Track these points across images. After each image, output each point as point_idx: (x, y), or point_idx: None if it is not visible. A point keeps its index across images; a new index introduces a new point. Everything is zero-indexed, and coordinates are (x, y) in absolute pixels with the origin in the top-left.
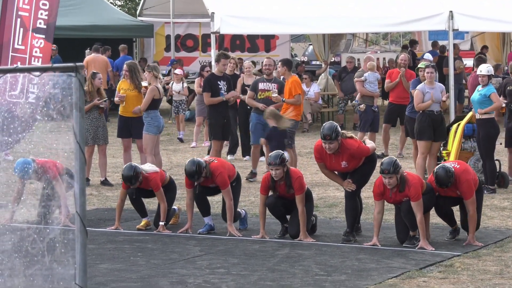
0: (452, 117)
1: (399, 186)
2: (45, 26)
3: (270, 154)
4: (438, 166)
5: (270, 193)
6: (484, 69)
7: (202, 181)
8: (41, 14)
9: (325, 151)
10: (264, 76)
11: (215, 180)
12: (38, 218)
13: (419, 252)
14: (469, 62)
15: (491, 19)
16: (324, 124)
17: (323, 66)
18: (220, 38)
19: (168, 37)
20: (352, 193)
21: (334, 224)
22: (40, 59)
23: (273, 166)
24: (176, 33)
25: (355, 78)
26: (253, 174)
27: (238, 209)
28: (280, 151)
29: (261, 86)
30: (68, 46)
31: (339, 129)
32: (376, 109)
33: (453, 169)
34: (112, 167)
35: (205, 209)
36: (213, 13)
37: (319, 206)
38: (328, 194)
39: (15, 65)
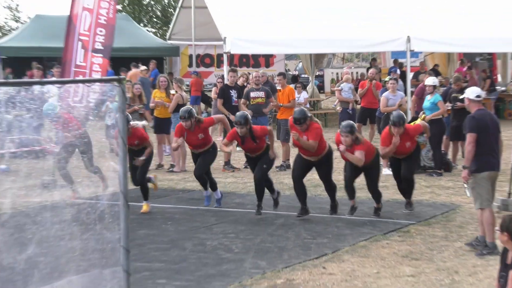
0: (409, 118)
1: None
2: (102, 48)
3: (236, 114)
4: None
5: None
6: (430, 80)
7: (193, 126)
8: (98, 38)
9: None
10: (254, 86)
11: (205, 123)
12: (92, 195)
13: (384, 222)
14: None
15: (440, 42)
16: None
17: (310, 79)
18: (231, 56)
19: (190, 56)
20: (327, 178)
21: (319, 199)
22: (100, 73)
23: (238, 125)
24: (197, 53)
25: (335, 88)
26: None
27: (219, 190)
28: (245, 112)
29: (252, 94)
30: (116, 63)
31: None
32: (351, 111)
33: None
34: None
35: (209, 184)
36: (225, 37)
37: (307, 186)
38: (314, 177)
39: (76, 78)
